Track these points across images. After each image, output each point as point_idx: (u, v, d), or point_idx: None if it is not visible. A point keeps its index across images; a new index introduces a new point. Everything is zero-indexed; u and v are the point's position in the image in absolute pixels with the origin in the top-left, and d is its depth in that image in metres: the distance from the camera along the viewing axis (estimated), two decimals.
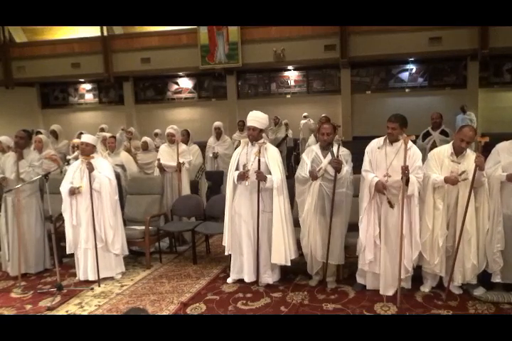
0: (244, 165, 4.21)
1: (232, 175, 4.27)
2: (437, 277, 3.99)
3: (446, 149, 3.89)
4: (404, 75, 12.58)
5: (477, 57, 11.33)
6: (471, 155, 3.74)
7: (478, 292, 3.81)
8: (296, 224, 4.30)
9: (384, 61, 12.17)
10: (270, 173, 4.11)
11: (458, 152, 3.80)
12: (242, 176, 4.14)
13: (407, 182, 3.66)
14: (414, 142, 4.06)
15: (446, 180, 3.70)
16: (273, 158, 4.18)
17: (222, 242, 4.44)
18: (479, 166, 3.54)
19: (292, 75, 13.41)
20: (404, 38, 11.28)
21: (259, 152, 4.07)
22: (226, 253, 4.41)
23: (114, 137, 6.21)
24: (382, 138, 3.94)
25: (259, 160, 4.06)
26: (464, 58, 11.76)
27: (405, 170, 3.61)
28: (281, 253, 4.10)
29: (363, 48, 11.69)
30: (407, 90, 12.59)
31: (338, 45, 11.84)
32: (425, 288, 4.01)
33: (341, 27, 11.48)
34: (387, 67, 12.61)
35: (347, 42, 11.77)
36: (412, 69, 12.50)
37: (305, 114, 11.51)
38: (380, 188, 3.79)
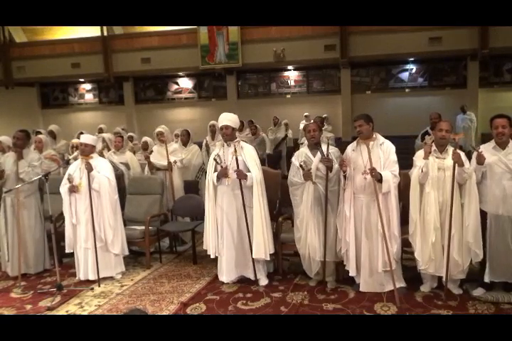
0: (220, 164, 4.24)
1: (211, 178, 4.29)
2: (437, 277, 3.98)
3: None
4: (404, 75, 12.56)
5: (477, 57, 11.31)
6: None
7: (478, 292, 3.81)
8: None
9: (384, 61, 12.15)
10: (249, 171, 4.17)
11: (441, 149, 3.84)
12: (223, 172, 4.16)
13: (379, 181, 3.78)
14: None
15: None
16: (250, 155, 4.26)
17: (204, 246, 4.41)
18: (457, 162, 3.60)
19: (292, 75, 13.39)
20: (404, 38, 11.25)
21: (235, 151, 4.16)
22: (212, 257, 4.34)
23: (121, 136, 6.24)
24: (355, 141, 4.07)
25: (236, 159, 4.13)
26: (464, 58, 11.74)
27: (372, 172, 3.74)
28: (262, 248, 4.15)
29: (363, 48, 11.67)
30: (407, 90, 12.57)
31: (338, 45, 11.82)
32: (425, 288, 4.00)
33: (341, 27, 11.46)
34: (387, 67, 12.58)
35: (347, 42, 11.76)
36: (412, 69, 12.48)
37: (306, 113, 11.48)
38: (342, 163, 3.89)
